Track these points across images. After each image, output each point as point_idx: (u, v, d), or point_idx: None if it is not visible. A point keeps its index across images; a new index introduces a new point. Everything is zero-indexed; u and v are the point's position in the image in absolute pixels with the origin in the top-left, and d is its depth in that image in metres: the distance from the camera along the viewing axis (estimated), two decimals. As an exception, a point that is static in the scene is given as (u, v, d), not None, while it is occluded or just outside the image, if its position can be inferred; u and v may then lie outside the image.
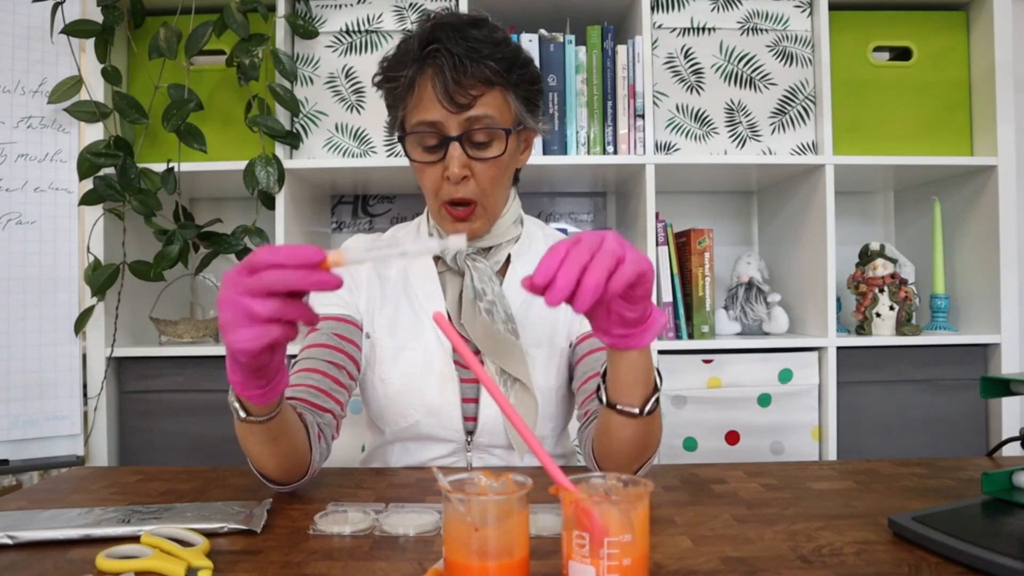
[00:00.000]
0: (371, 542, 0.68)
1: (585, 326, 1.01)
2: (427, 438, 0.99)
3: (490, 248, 1.02)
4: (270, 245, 0.66)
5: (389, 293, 1.03)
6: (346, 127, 1.66)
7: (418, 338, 1.00)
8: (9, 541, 0.68)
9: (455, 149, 0.91)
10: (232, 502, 0.79)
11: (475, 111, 0.90)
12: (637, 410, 0.77)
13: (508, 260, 1.04)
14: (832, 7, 1.67)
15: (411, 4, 1.66)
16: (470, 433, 0.99)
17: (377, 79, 0.97)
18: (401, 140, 0.96)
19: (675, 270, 1.68)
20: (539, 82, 0.99)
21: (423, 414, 0.97)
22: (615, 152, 1.66)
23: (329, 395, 0.93)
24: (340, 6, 1.67)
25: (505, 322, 0.96)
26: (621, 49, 1.66)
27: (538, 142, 1.65)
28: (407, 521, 0.72)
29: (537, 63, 1.63)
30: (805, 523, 0.73)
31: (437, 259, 1.04)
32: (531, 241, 1.06)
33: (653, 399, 0.77)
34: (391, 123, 0.99)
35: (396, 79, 0.93)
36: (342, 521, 0.73)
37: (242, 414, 0.73)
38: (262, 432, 0.76)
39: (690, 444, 1.65)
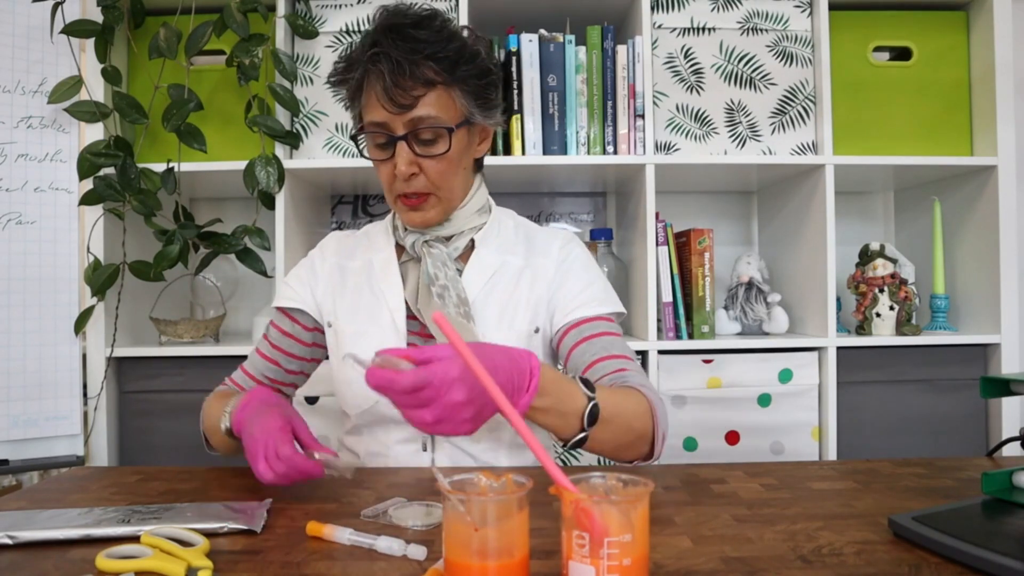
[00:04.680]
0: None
1: (567, 315, 1.03)
2: (388, 420, 1.01)
3: (451, 236, 1.04)
4: (281, 464, 0.80)
5: (352, 282, 1.07)
6: (346, 127, 1.66)
7: (376, 323, 1.02)
8: (9, 541, 0.68)
9: (402, 148, 0.94)
10: (232, 502, 0.79)
11: (418, 111, 0.92)
12: (562, 443, 0.82)
13: (473, 246, 1.06)
14: (832, 7, 1.67)
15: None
16: None
17: (332, 80, 1.00)
18: (354, 138, 1.00)
19: (675, 270, 1.68)
20: (489, 75, 0.99)
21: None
22: (615, 152, 1.66)
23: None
24: (340, 6, 1.67)
25: (457, 306, 0.98)
26: (621, 49, 1.66)
27: (539, 142, 1.65)
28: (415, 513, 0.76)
29: (537, 63, 1.64)
30: (805, 523, 0.73)
31: (401, 250, 1.06)
32: (499, 228, 1.08)
33: (577, 438, 0.81)
34: (353, 121, 1.02)
35: (346, 81, 0.97)
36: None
37: (226, 433, 0.93)
38: (235, 445, 0.94)
39: (690, 444, 1.65)
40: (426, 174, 0.96)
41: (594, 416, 0.81)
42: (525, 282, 1.05)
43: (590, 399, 0.81)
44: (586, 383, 0.83)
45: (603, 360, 0.98)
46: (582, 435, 0.81)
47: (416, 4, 0.99)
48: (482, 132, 1.04)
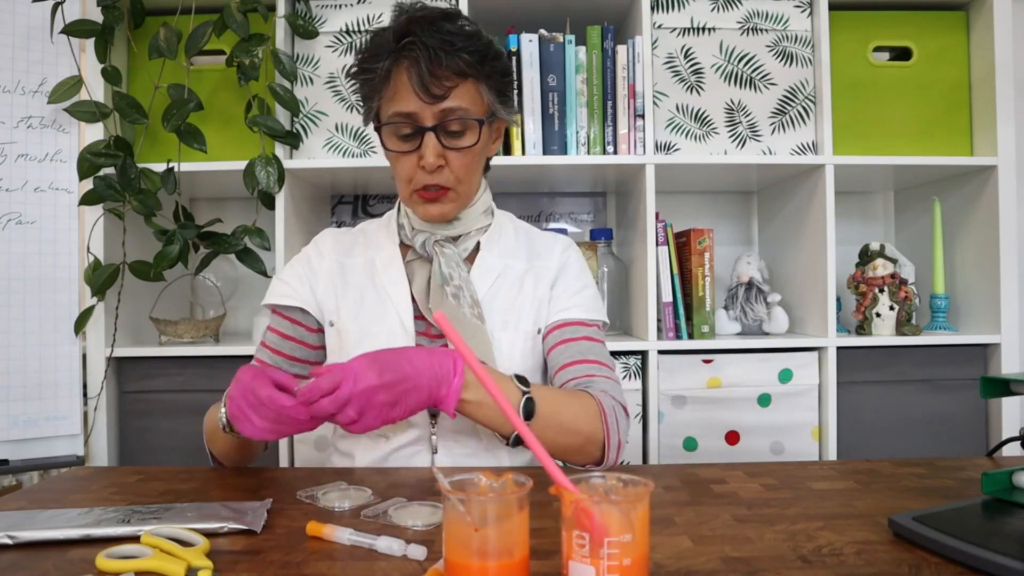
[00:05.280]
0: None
1: (554, 315, 1.05)
2: None
3: (459, 237, 1.04)
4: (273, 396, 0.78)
5: (353, 280, 1.06)
6: (346, 127, 1.66)
7: (382, 323, 1.02)
8: (9, 541, 0.68)
9: (430, 139, 0.94)
10: (232, 502, 0.79)
11: (449, 102, 0.93)
12: (506, 441, 0.89)
13: (477, 248, 1.06)
14: (832, 7, 1.67)
15: (412, 3, 1.66)
16: (434, 416, 1.00)
17: (352, 71, 1.00)
18: (377, 130, 1.00)
19: (675, 270, 1.68)
20: (510, 74, 1.02)
21: None
22: (615, 152, 1.66)
23: None
24: (340, 6, 1.67)
25: (471, 307, 0.98)
26: (621, 49, 1.66)
27: (539, 142, 1.65)
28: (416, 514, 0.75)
29: (537, 63, 1.64)
30: (805, 523, 0.73)
31: (407, 249, 1.06)
32: (501, 230, 1.09)
33: (513, 436, 0.87)
34: (366, 114, 1.02)
35: (372, 71, 0.96)
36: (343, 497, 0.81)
37: (227, 429, 0.88)
38: (236, 443, 0.94)
39: (690, 444, 1.65)
40: (450, 167, 0.96)
41: (529, 410, 0.85)
42: (529, 284, 1.05)
43: (524, 393, 0.86)
44: (521, 380, 0.87)
45: (576, 364, 1.00)
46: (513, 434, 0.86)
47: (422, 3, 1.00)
48: (497, 130, 1.05)
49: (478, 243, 1.06)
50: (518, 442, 0.87)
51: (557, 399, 0.90)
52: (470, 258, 1.06)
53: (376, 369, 0.78)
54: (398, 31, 0.94)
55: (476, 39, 0.95)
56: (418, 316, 1.01)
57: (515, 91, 1.06)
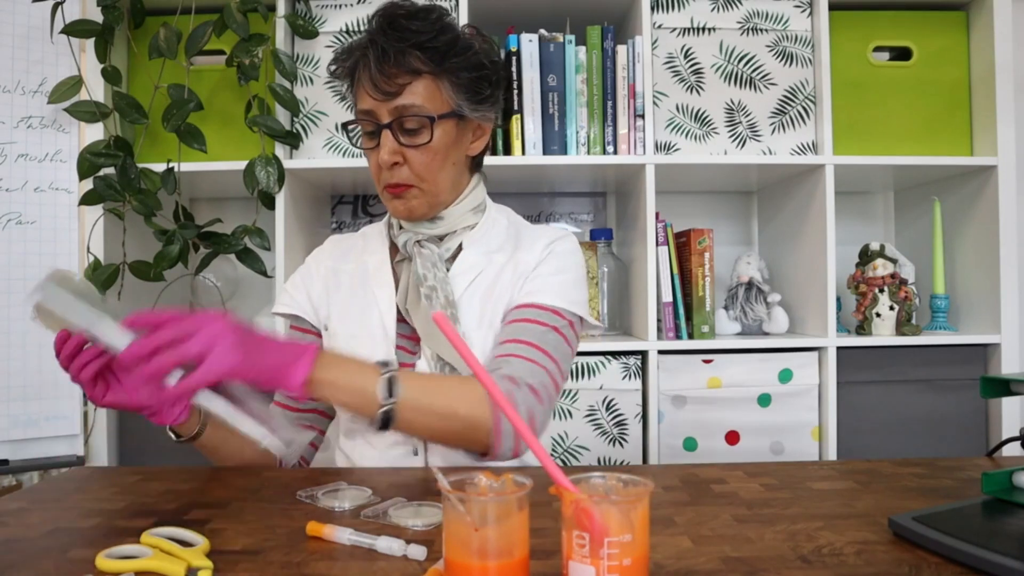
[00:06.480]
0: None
1: (519, 298, 1.00)
2: None
3: (444, 236, 1.03)
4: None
5: (345, 284, 1.07)
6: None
7: (366, 326, 1.02)
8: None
9: (386, 136, 0.95)
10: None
11: (402, 99, 0.93)
12: (372, 427, 0.85)
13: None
14: (832, 7, 1.67)
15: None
16: None
17: (330, 70, 1.03)
18: (345, 127, 1.02)
19: (675, 270, 1.68)
20: (482, 69, 0.98)
21: None
22: (615, 152, 1.66)
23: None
24: (340, 6, 1.67)
25: (444, 307, 0.97)
26: (621, 49, 1.66)
27: (539, 142, 1.65)
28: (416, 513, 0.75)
29: (537, 63, 1.64)
30: (805, 523, 0.73)
31: (395, 250, 1.05)
32: (492, 227, 1.06)
33: (381, 414, 0.83)
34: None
35: (339, 71, 1.00)
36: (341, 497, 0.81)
37: (172, 437, 0.95)
38: (198, 447, 0.97)
39: (690, 444, 1.65)
40: (410, 165, 0.96)
41: (391, 388, 0.83)
42: (506, 278, 1.02)
43: (386, 371, 0.83)
44: (385, 365, 0.85)
45: (503, 344, 0.95)
46: (388, 407, 0.82)
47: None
48: (477, 129, 1.03)
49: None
50: (384, 426, 0.84)
51: (430, 381, 0.88)
52: (455, 257, 1.04)
53: (223, 317, 0.82)
54: (367, 31, 0.96)
55: (439, 35, 0.94)
56: (401, 319, 1.01)
57: (491, 88, 1.00)
